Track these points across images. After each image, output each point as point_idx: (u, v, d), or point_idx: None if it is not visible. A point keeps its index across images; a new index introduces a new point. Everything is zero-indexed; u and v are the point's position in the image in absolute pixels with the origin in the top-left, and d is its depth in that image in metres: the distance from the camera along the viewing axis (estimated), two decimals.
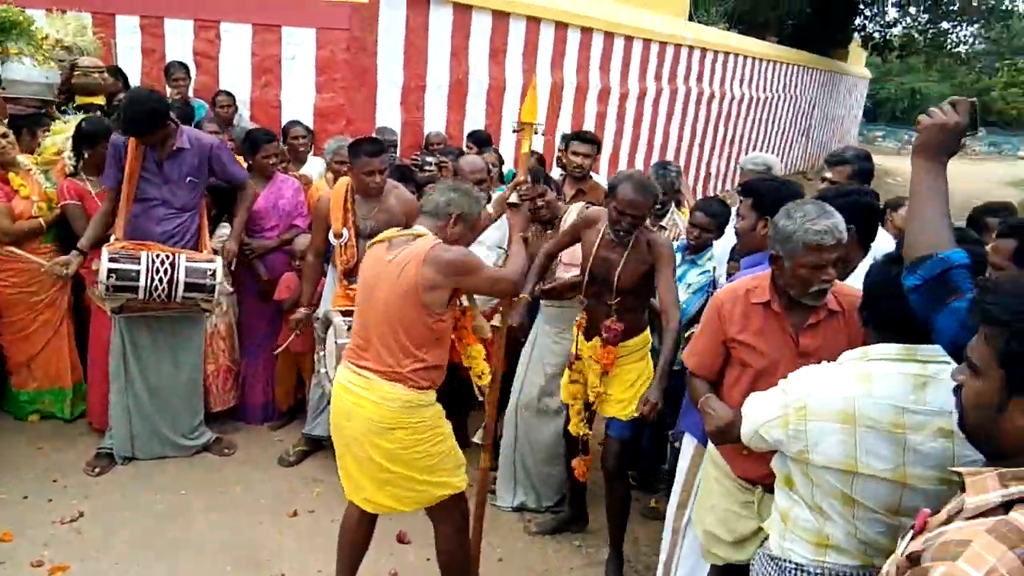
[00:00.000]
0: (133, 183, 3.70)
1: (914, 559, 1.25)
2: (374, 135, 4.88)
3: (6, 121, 4.11)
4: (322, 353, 3.69)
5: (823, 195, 2.83)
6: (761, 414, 1.96)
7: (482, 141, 5.49)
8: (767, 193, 2.81)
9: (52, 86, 4.55)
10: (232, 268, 4.15)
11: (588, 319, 3.37)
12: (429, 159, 5.07)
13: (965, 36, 23.50)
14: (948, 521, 1.30)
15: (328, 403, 4.08)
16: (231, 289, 4.31)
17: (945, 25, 22.13)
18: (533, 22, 7.20)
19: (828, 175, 3.57)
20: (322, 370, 3.69)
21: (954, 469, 1.36)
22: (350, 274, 3.83)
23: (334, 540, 3.07)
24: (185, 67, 5.54)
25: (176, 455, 4.12)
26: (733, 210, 3.44)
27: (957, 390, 1.37)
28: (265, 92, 5.66)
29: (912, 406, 1.71)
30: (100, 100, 4.77)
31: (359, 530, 3.02)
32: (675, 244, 3.98)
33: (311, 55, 5.49)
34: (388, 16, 5.61)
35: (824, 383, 1.83)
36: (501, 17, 6.75)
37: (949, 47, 23.77)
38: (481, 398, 4.67)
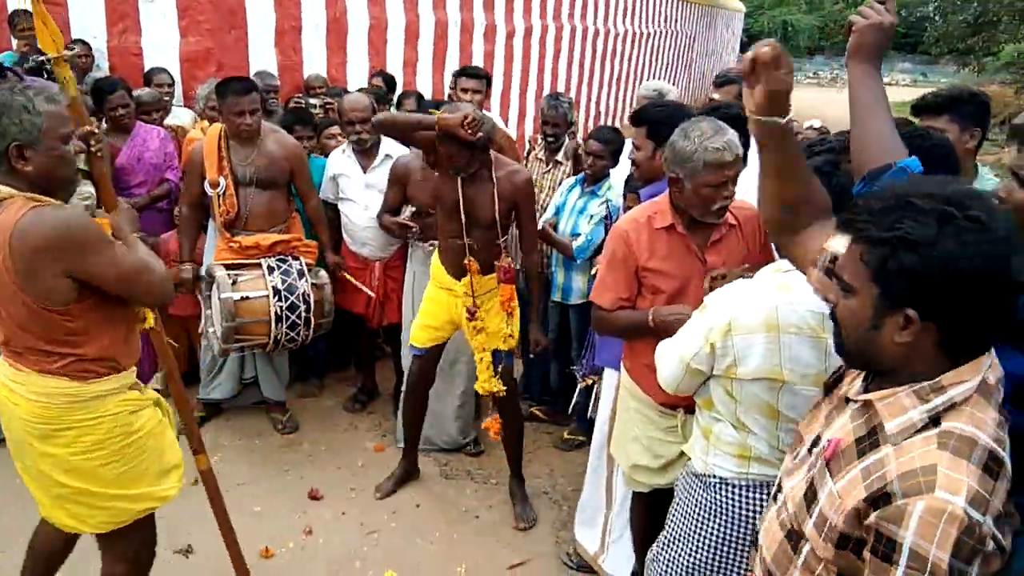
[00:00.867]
0: None
1: (876, 499, 1.20)
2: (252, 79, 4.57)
3: None
4: (208, 312, 3.49)
5: (707, 111, 2.85)
6: (686, 347, 1.97)
7: (388, 80, 5.33)
8: (660, 120, 2.78)
9: None
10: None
11: (453, 257, 3.23)
12: (313, 101, 4.82)
13: None
14: (863, 450, 1.27)
15: (223, 364, 3.92)
16: None
17: None
18: None
19: (715, 96, 3.60)
20: (210, 329, 3.50)
21: (860, 397, 1.33)
22: (231, 225, 3.64)
23: (240, 504, 2.94)
24: (31, 16, 4.98)
25: None
26: (628, 141, 3.41)
27: (832, 313, 1.34)
28: (124, 39, 5.19)
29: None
30: None
31: (51, 540, 2.43)
32: (573, 179, 3.96)
33: None
34: None
35: (746, 297, 1.86)
36: None
37: None
38: (388, 349, 4.62)
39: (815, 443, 1.41)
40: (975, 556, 1.11)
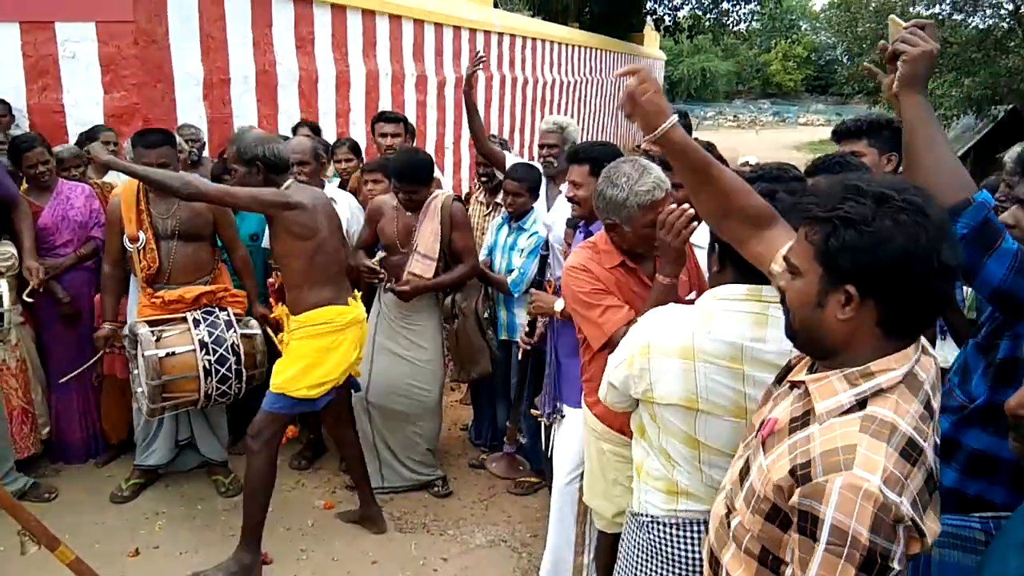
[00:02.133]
0: None
1: (798, 474, 1.24)
2: (176, 132, 4.46)
3: None
4: (136, 372, 3.33)
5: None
6: (611, 360, 1.95)
7: (315, 129, 5.37)
8: (603, 157, 2.78)
9: None
10: (29, 300, 3.63)
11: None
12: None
13: (744, 15, 25.53)
14: (795, 428, 1.32)
15: (158, 427, 3.73)
16: (21, 318, 3.78)
17: (726, 5, 23.95)
18: (339, 10, 6.92)
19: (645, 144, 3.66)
20: (138, 390, 3.34)
21: (795, 378, 1.39)
22: (154, 280, 3.52)
23: (185, 570, 2.75)
24: None
25: None
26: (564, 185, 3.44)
27: (783, 298, 1.40)
28: (44, 97, 5.02)
29: (750, 344, 1.71)
30: None
31: None
32: (500, 218, 4.01)
33: (93, 52, 4.92)
34: (178, 5, 5.15)
35: (667, 321, 1.83)
36: (304, 4, 6.42)
37: (731, 26, 25.76)
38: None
39: (761, 427, 1.45)
40: (893, 535, 1.15)
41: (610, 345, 2.31)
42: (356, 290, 3.41)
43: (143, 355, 3.26)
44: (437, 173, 4.88)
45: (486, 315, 3.78)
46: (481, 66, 4.17)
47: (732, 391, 1.73)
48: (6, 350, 3.71)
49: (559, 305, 2.91)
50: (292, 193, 3.06)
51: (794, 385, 1.41)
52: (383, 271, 3.66)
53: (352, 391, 3.62)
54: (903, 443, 1.20)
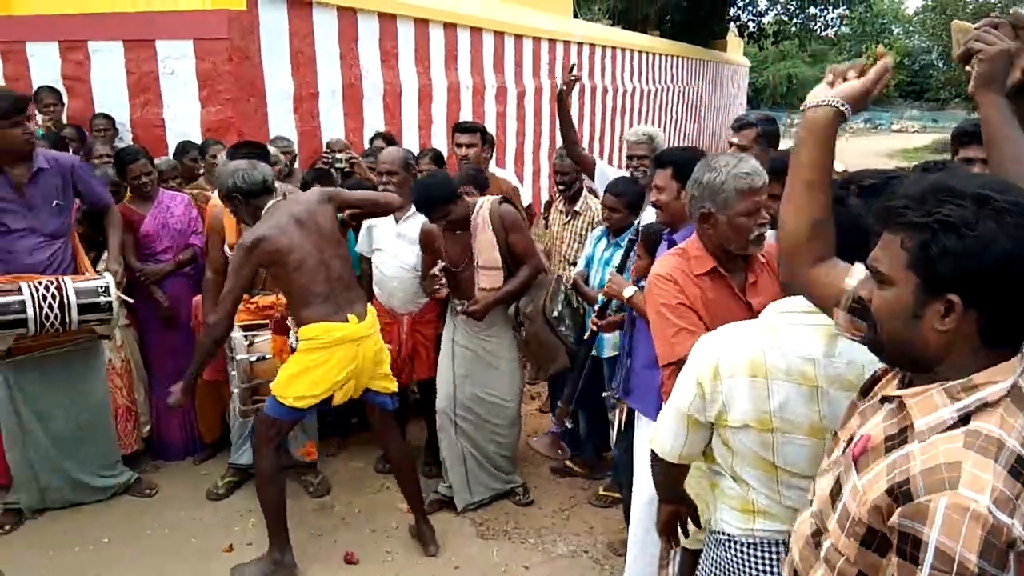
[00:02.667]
0: None
1: (897, 494, 1.15)
2: (269, 145, 4.63)
3: None
4: (233, 373, 3.45)
5: (772, 162, 2.80)
6: (681, 397, 1.80)
7: (389, 140, 5.41)
8: (686, 161, 2.72)
9: None
10: (128, 300, 3.82)
11: None
12: (340, 155, 4.89)
13: (832, 19, 24.78)
14: (891, 447, 1.23)
15: (252, 427, 3.84)
16: (126, 321, 3.97)
17: (813, 10, 23.30)
18: (421, 24, 7.06)
19: (734, 140, 3.58)
20: (234, 391, 3.45)
21: (889, 393, 1.30)
22: (250, 287, 3.59)
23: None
24: (56, 92, 5.14)
25: (93, 500, 3.77)
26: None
27: (865, 307, 1.30)
28: (145, 112, 5.30)
29: (823, 359, 1.62)
30: None
31: None
32: (599, 230, 3.91)
33: (191, 69, 5.17)
34: (269, 22, 5.36)
35: (731, 339, 1.74)
36: (388, 19, 6.58)
37: (818, 31, 25.04)
38: (417, 404, 4.55)
39: (849, 443, 1.35)
40: (1004, 561, 1.06)
41: (676, 366, 2.23)
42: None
43: (236, 359, 3.38)
44: (515, 182, 4.91)
45: (555, 313, 3.67)
46: (576, 77, 4.09)
47: (807, 409, 1.65)
48: (112, 350, 3.91)
49: (629, 292, 2.88)
50: (256, 229, 3.05)
51: (884, 399, 1.32)
52: (442, 282, 3.56)
53: (413, 402, 3.64)
54: (1012, 460, 1.11)
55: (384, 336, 3.93)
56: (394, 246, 3.89)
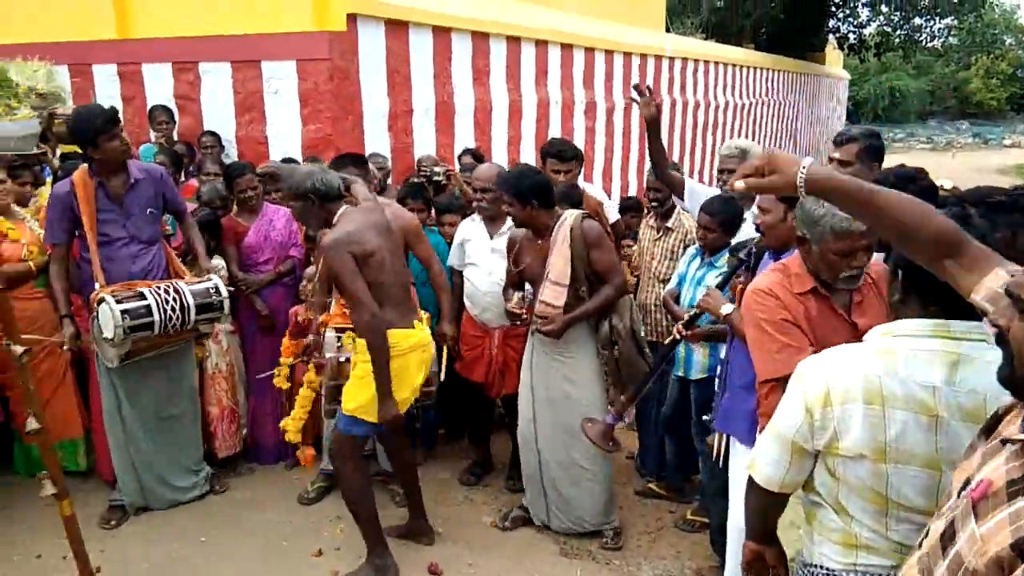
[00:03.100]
0: (94, 226, 3.52)
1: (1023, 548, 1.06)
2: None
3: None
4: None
5: (879, 179, 2.68)
6: (785, 423, 1.71)
7: (477, 157, 5.46)
8: None
9: (31, 137, 4.42)
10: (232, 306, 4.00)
11: None
12: (437, 168, 4.98)
13: (939, 30, 23.69)
14: (1015, 493, 1.13)
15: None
16: (232, 327, 4.16)
17: (918, 21, 22.34)
18: (513, 41, 7.14)
19: (836, 155, 3.44)
20: (329, 383, 3.58)
21: (1016, 437, 1.19)
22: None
23: None
24: (168, 110, 5.45)
25: (187, 499, 3.96)
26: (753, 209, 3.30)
27: (1001, 337, 1.20)
28: (250, 129, 5.55)
29: (944, 386, 1.53)
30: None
31: None
32: (694, 248, 3.83)
33: (293, 88, 5.38)
34: (367, 42, 5.52)
35: (841, 363, 1.64)
36: (481, 38, 6.69)
37: (924, 42, 23.99)
38: (507, 419, 4.56)
39: (965, 485, 1.26)
40: None
41: (777, 383, 2.16)
42: (425, 311, 3.53)
43: (326, 358, 3.52)
44: (602, 197, 4.87)
45: (644, 334, 3.57)
46: (650, 96, 3.87)
47: (925, 440, 1.56)
48: (219, 354, 4.14)
49: (727, 309, 2.80)
50: (340, 229, 3.10)
51: (1006, 441, 1.22)
52: (525, 311, 3.56)
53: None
54: None
55: (475, 350, 3.99)
56: (488, 261, 3.92)
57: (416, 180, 4.99)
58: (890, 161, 3.46)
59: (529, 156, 7.41)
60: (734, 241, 3.55)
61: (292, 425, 3.62)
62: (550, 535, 3.71)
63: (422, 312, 3.85)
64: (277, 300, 4.26)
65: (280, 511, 3.92)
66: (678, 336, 3.19)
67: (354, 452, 3.29)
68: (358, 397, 3.20)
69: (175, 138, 5.43)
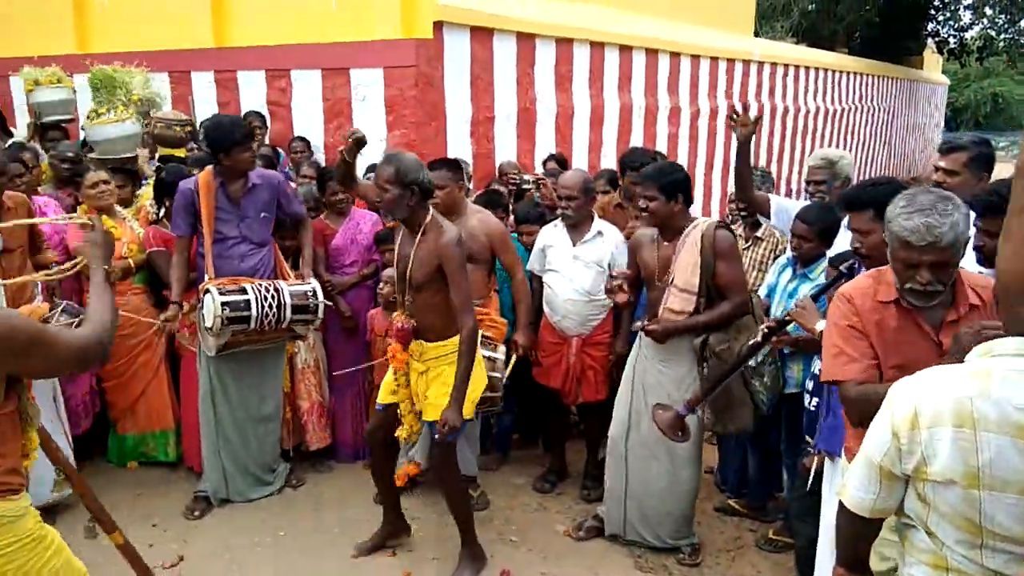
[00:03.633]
0: (211, 224, 3.73)
1: None
2: None
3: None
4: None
5: (988, 192, 2.51)
6: (873, 446, 1.65)
7: (561, 162, 5.49)
8: (886, 198, 2.50)
9: (135, 138, 4.64)
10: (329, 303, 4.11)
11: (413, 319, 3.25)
12: (527, 176, 5.00)
13: None
14: None
15: (419, 437, 3.98)
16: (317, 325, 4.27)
17: None
18: (597, 47, 7.09)
19: (941, 164, 3.24)
20: None
21: None
22: None
23: None
24: (262, 116, 5.65)
25: (266, 494, 4.06)
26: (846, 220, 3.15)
27: None
28: (337, 135, 5.68)
29: None
30: (181, 152, 4.85)
31: None
32: (785, 258, 3.70)
33: (380, 94, 5.49)
34: (453, 49, 5.59)
35: (930, 385, 1.56)
36: (565, 44, 6.67)
37: None
38: (577, 428, 4.52)
39: None
40: None
41: (856, 394, 2.11)
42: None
43: None
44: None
45: (753, 362, 3.26)
46: (747, 116, 3.64)
47: (1022, 465, 1.46)
48: (307, 350, 4.25)
49: (820, 325, 2.66)
50: (452, 231, 3.13)
51: None
52: (623, 288, 3.43)
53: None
54: None
55: (552, 357, 3.96)
56: (570, 268, 3.88)
57: (496, 187, 5.00)
58: (996, 171, 3.26)
59: (610, 162, 7.34)
60: (829, 252, 3.41)
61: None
62: (624, 547, 3.64)
63: (502, 319, 3.86)
64: (360, 302, 4.34)
65: (357, 509, 3.98)
66: (760, 339, 3.07)
67: (454, 457, 3.34)
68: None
69: (266, 142, 5.60)
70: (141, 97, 4.73)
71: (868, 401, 1.99)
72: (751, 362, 3.28)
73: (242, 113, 5.72)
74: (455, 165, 3.82)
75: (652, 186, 3.29)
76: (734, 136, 3.68)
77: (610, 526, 3.68)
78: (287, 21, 5.70)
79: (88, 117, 4.68)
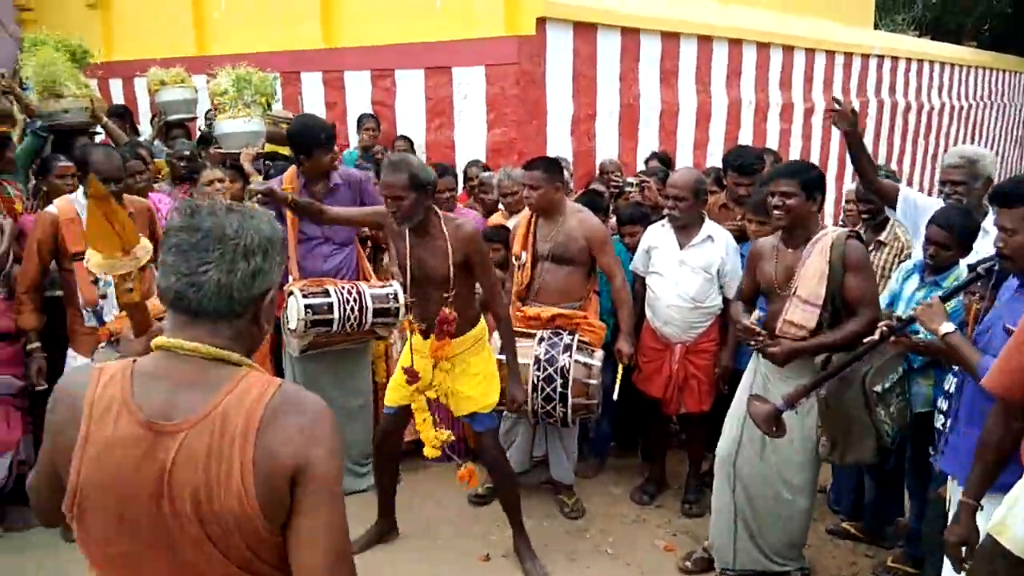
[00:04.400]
0: (295, 225, 3.75)
1: None
2: None
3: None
4: None
5: None
6: None
7: (664, 161, 5.33)
8: None
9: (258, 135, 4.77)
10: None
11: (420, 317, 3.28)
12: (630, 179, 4.85)
13: None
14: None
15: (516, 438, 3.92)
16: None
17: None
18: (705, 41, 6.84)
19: None
20: None
21: None
22: (524, 296, 3.78)
23: None
24: (375, 118, 5.73)
25: (356, 490, 4.01)
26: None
27: None
28: (439, 134, 5.70)
29: None
30: (285, 150, 4.95)
31: None
32: (911, 263, 3.42)
33: (481, 93, 5.46)
34: (555, 46, 5.49)
35: None
36: (671, 38, 6.45)
37: None
38: (677, 438, 4.34)
39: None
40: None
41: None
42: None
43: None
44: None
45: (878, 388, 2.93)
46: (846, 106, 3.42)
47: None
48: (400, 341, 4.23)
49: (946, 328, 2.44)
50: (468, 222, 3.26)
51: None
52: (763, 332, 3.13)
53: None
54: None
55: (653, 364, 3.80)
56: (676, 273, 3.70)
57: (597, 187, 4.86)
58: None
59: (716, 161, 7.06)
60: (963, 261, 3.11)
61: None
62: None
63: (600, 323, 3.73)
64: None
65: (450, 510, 3.94)
66: (878, 337, 2.80)
67: (499, 442, 3.48)
68: (491, 391, 3.35)
69: (372, 143, 5.67)
70: (264, 95, 4.84)
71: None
72: (878, 388, 2.97)
73: (348, 113, 5.81)
74: (552, 165, 3.70)
75: (792, 182, 3.00)
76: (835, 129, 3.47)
77: (719, 554, 3.38)
78: (392, 21, 5.76)
79: (217, 111, 4.86)
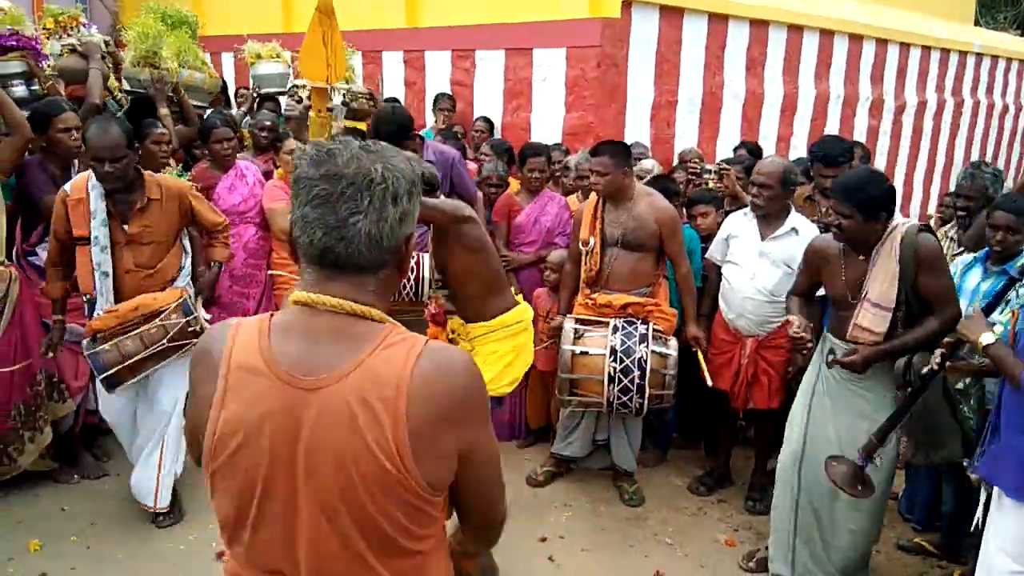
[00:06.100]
0: None
1: None
2: None
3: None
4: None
5: None
6: None
7: (753, 151, 5.19)
8: None
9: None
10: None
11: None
12: (709, 167, 4.74)
13: None
14: None
15: (580, 422, 3.89)
16: None
17: None
18: (795, 30, 6.62)
19: None
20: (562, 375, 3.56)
21: None
22: (593, 282, 3.70)
23: (583, 570, 2.77)
24: (451, 98, 5.76)
25: None
26: None
27: None
28: (516, 116, 5.68)
29: None
30: (363, 126, 5.02)
31: None
32: (969, 256, 3.28)
33: (561, 75, 5.41)
34: (640, 30, 5.39)
35: None
36: (760, 26, 6.27)
37: None
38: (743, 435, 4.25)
39: None
40: None
41: None
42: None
43: (561, 348, 3.52)
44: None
45: (960, 385, 2.85)
46: None
47: None
48: None
49: (987, 339, 2.38)
50: (466, 207, 3.18)
51: None
52: (811, 339, 3.03)
53: None
54: None
55: (723, 356, 3.72)
56: (754, 264, 3.59)
57: (673, 175, 4.76)
58: None
59: (800, 154, 6.85)
60: None
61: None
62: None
63: (672, 309, 3.67)
64: (532, 283, 4.28)
65: (509, 491, 3.92)
66: (935, 367, 2.65)
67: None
68: (487, 373, 3.12)
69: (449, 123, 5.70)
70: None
71: None
72: (959, 384, 2.87)
73: (426, 93, 5.85)
74: (619, 150, 3.61)
75: (846, 204, 2.79)
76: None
77: (775, 564, 3.24)
78: (475, 1, 5.76)
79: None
